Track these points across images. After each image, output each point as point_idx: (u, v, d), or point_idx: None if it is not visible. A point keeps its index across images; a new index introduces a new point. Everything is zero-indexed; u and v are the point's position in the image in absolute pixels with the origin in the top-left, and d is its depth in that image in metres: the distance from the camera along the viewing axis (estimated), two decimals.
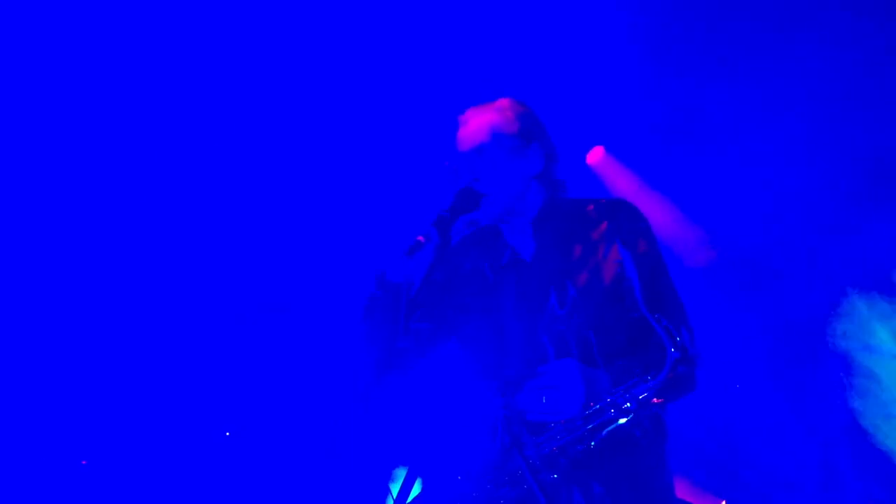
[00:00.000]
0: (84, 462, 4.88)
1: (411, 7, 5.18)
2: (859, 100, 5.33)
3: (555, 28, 5.48)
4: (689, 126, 5.91)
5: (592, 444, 2.33)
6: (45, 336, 5.35)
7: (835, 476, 5.79)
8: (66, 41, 4.84)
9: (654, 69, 5.73)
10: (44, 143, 5.23)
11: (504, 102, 2.76)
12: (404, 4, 5.16)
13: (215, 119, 5.57)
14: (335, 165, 5.93)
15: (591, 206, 2.70)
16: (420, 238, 2.35)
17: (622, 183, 6.40)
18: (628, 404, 2.29)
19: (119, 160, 5.52)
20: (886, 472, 5.59)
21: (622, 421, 2.29)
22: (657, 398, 2.29)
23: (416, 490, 4.69)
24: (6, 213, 5.29)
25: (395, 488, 4.72)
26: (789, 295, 5.95)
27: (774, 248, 6.07)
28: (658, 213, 6.34)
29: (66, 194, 5.47)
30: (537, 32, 5.48)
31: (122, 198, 5.65)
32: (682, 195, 6.32)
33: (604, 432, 2.31)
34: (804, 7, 5.10)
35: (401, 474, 4.78)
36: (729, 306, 6.17)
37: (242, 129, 5.68)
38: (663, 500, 2.52)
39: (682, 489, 2.67)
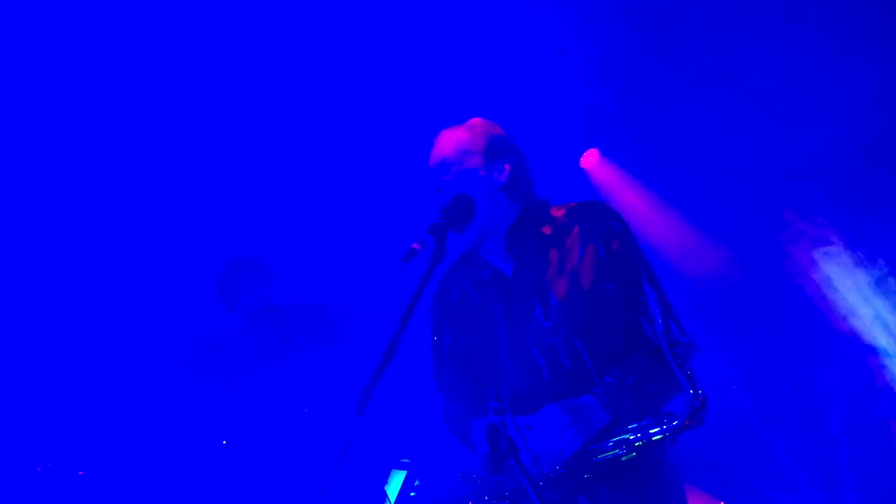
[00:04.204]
0: (80, 473, 4.86)
1: (404, 15, 5.18)
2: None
3: (551, 31, 5.48)
4: (683, 128, 5.92)
5: (595, 473, 2.36)
6: (35, 339, 5.35)
7: (833, 477, 5.79)
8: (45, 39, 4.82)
9: (649, 70, 5.74)
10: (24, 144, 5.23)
11: (475, 121, 2.81)
12: (397, 13, 5.17)
13: (201, 127, 5.57)
14: (331, 174, 5.94)
15: (563, 212, 2.70)
16: (415, 245, 2.34)
17: (617, 186, 6.40)
18: (640, 443, 2.31)
19: (111, 161, 5.53)
20: (885, 473, 5.60)
21: (631, 455, 2.32)
22: (670, 442, 2.31)
23: (412, 494, 4.69)
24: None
25: (392, 492, 4.73)
26: (786, 296, 5.96)
27: (773, 248, 6.08)
28: (655, 215, 6.35)
29: (60, 195, 5.47)
30: (532, 35, 5.49)
31: (116, 198, 5.65)
32: (679, 199, 6.34)
33: (610, 464, 2.35)
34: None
35: (398, 480, 4.78)
36: (726, 306, 6.18)
37: (229, 136, 5.68)
38: (669, 498, 2.52)
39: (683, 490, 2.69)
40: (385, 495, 4.69)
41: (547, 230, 2.67)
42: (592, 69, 5.73)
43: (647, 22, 5.38)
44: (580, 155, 6.55)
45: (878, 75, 5.30)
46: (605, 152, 6.51)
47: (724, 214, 6.16)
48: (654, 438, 2.29)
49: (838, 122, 5.46)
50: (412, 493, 4.68)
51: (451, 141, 2.72)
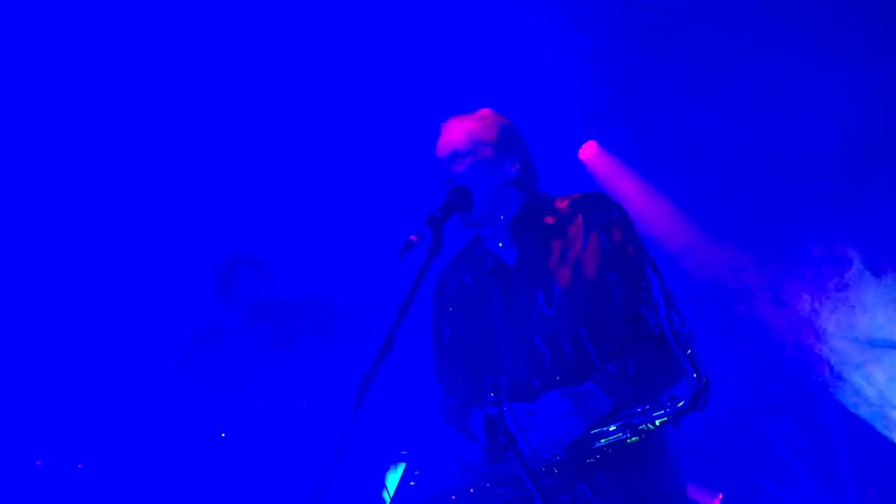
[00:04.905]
0: (80, 466, 4.87)
1: (403, 8, 5.18)
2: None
3: (550, 24, 5.48)
4: (681, 121, 5.92)
5: (596, 458, 2.37)
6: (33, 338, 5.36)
7: (831, 467, 5.81)
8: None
9: (648, 64, 5.74)
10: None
11: (484, 112, 2.79)
12: (397, 7, 5.17)
13: (199, 122, 5.57)
14: (329, 169, 5.94)
15: (566, 202, 2.72)
16: (413, 237, 2.34)
17: (615, 178, 6.40)
18: (643, 426, 2.32)
19: (110, 157, 5.52)
20: (883, 463, 5.61)
21: (633, 440, 2.33)
22: (673, 424, 2.31)
23: (411, 484, 4.70)
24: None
25: (391, 483, 4.75)
26: (786, 291, 5.97)
27: (770, 242, 6.09)
28: (652, 207, 6.35)
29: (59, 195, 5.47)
30: (532, 28, 5.49)
31: (114, 194, 5.65)
32: (676, 191, 6.34)
33: (611, 449, 2.36)
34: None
35: (397, 471, 4.79)
36: (723, 297, 6.19)
37: (227, 131, 5.68)
38: (668, 487, 2.53)
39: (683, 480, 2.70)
40: (385, 486, 4.71)
41: (549, 220, 2.69)
42: (591, 62, 5.73)
43: (646, 16, 5.39)
44: (579, 146, 6.54)
45: (875, 74, 5.31)
46: (604, 144, 6.51)
47: (721, 207, 6.17)
48: (657, 421, 2.30)
49: (838, 119, 5.47)
50: (412, 483, 4.69)
51: (462, 131, 2.71)
